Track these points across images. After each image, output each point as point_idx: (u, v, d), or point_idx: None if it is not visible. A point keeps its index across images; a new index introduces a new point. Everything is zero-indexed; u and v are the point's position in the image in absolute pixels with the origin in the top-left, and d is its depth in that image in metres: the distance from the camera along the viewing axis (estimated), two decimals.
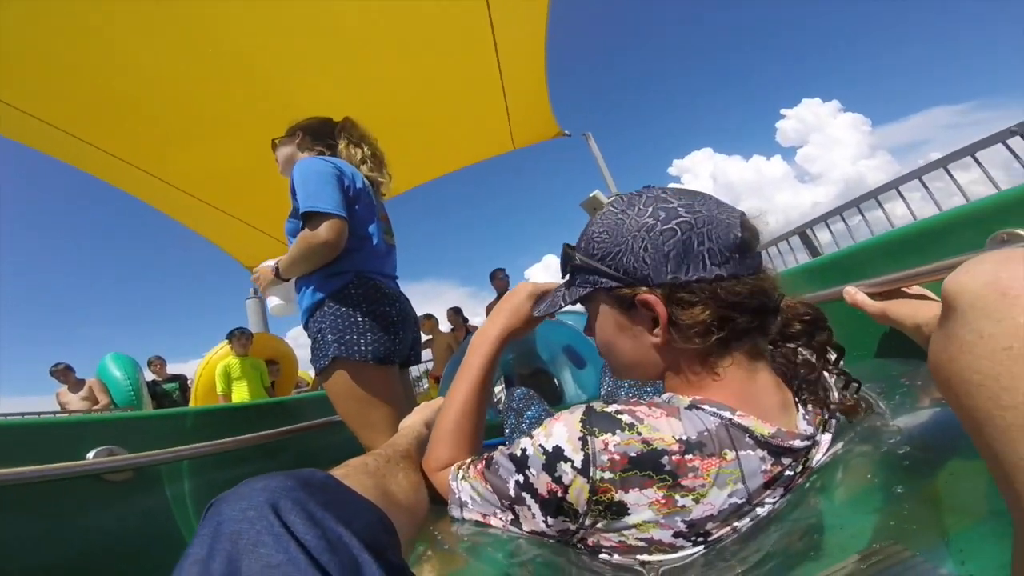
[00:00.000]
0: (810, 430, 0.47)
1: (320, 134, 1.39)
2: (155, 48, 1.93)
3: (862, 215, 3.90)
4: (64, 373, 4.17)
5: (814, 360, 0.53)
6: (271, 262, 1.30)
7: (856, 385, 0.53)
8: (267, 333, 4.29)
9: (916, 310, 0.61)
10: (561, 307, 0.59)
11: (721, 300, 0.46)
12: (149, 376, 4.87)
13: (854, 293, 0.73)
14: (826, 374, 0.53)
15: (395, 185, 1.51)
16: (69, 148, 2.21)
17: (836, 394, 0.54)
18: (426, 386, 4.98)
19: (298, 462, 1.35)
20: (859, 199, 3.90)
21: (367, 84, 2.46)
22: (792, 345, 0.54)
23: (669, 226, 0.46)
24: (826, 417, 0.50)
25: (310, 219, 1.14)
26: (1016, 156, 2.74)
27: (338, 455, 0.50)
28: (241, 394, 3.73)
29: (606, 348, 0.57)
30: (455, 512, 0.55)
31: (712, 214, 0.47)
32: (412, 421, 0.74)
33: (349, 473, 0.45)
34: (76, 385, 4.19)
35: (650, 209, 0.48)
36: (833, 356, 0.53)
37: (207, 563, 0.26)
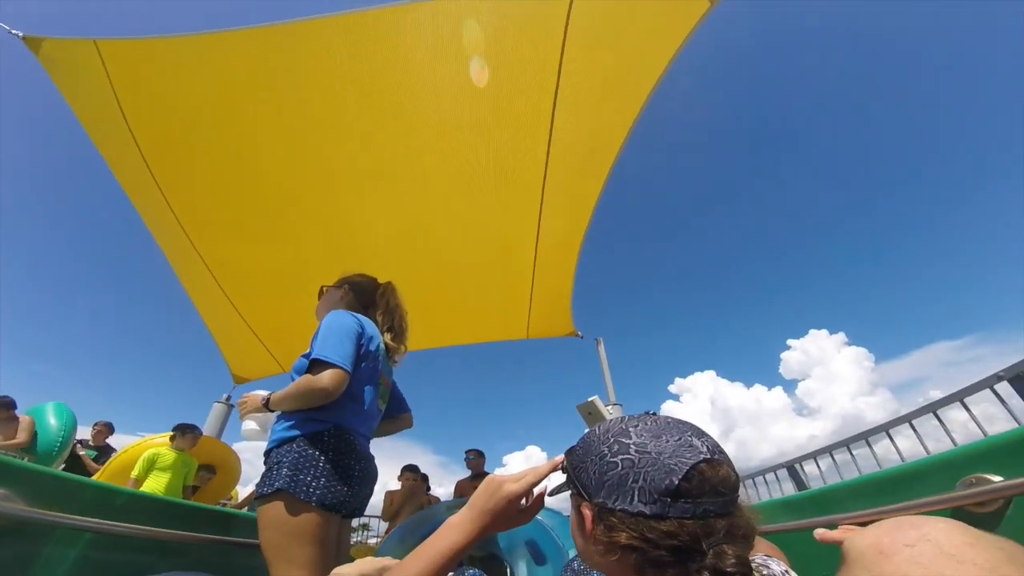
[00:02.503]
0: None
1: (363, 292, 1.55)
2: (270, 144, 2.14)
3: (850, 453, 4.00)
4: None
5: None
6: (261, 392, 1.36)
7: None
8: (216, 439, 3.99)
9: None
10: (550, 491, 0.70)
11: (638, 533, 0.51)
12: (83, 435, 4.43)
13: (823, 533, 0.76)
14: None
15: (408, 344, 1.58)
16: (149, 198, 2.32)
17: None
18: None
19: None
20: (849, 439, 4.05)
21: (418, 243, 2.55)
22: None
23: (615, 460, 0.55)
24: None
25: (317, 364, 1.21)
26: (1003, 402, 2.70)
27: None
28: (155, 486, 3.37)
29: (573, 537, 0.63)
30: None
31: (660, 459, 0.52)
32: (349, 572, 0.73)
33: None
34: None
35: (611, 439, 0.57)
36: None
37: None
